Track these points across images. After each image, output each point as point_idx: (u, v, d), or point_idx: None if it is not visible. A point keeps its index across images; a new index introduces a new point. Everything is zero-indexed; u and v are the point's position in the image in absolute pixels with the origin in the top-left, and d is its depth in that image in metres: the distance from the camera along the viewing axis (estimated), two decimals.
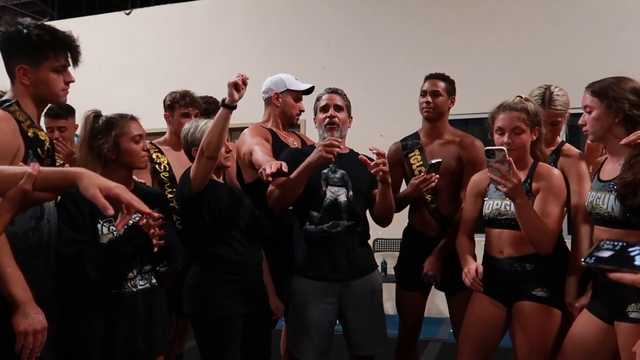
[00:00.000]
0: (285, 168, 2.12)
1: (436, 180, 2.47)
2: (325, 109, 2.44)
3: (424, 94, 2.67)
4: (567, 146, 2.40)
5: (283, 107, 2.77)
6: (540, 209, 2.05)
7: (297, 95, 2.79)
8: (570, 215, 2.27)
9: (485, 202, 2.24)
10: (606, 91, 1.91)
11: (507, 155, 1.97)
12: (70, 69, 1.84)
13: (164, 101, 2.89)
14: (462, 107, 2.80)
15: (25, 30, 1.71)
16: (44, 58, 1.74)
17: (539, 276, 2.09)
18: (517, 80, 4.84)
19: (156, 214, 1.77)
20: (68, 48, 1.79)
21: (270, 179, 2.10)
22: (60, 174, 1.31)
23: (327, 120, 2.42)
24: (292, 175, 2.23)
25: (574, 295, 2.10)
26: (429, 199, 2.63)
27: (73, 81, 1.84)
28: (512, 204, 2.05)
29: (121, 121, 2.01)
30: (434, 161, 2.50)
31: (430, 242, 2.64)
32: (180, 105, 2.82)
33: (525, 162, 2.17)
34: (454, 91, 2.70)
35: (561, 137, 2.49)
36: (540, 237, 2.01)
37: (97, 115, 2.02)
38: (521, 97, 2.19)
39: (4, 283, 1.56)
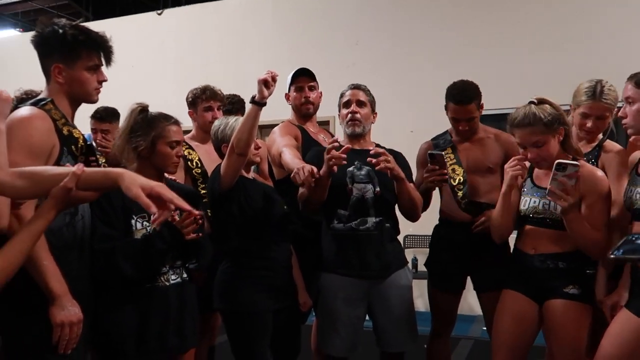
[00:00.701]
0: (317, 175, 2.13)
1: (446, 175, 2.41)
2: (347, 104, 2.44)
3: (456, 120, 2.56)
4: (609, 142, 2.33)
5: (292, 102, 2.81)
6: (589, 218, 1.97)
7: (296, 86, 2.78)
8: None
9: (522, 198, 2.17)
10: None
11: (578, 172, 1.90)
12: (104, 68, 1.88)
13: (187, 99, 2.92)
14: (488, 104, 2.74)
15: (60, 31, 1.76)
16: (78, 57, 1.78)
17: (571, 274, 2.04)
18: (544, 75, 4.75)
19: (197, 212, 1.84)
20: (101, 48, 1.83)
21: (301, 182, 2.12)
22: (102, 174, 1.37)
23: (349, 116, 2.42)
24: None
25: (604, 291, 2.05)
26: (460, 195, 2.58)
27: (106, 80, 1.88)
28: (551, 204, 2.01)
29: (163, 123, 2.03)
30: (433, 152, 2.44)
31: (461, 230, 2.58)
32: (201, 99, 2.84)
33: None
34: (481, 98, 2.57)
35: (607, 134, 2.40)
36: (592, 247, 1.97)
37: (143, 109, 2.05)
38: (533, 101, 2.05)
39: (41, 276, 1.60)
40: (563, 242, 2.03)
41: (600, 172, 2.06)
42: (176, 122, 2.08)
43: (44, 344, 1.66)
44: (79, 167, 1.27)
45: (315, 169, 2.14)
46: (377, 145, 2.49)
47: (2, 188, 1.35)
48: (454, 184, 2.59)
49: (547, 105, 2.02)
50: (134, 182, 1.29)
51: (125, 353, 1.90)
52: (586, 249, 2.00)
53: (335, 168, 2.16)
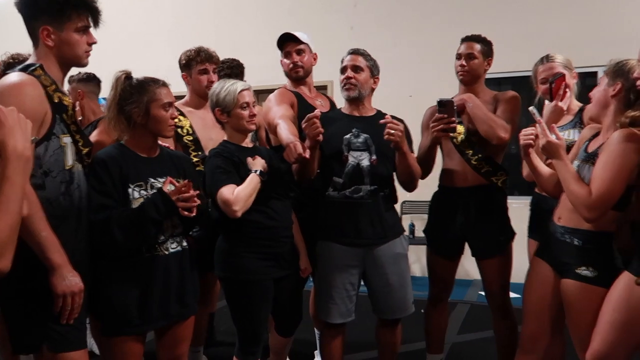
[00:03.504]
0: (306, 154, 2.11)
1: (454, 123, 2.34)
2: (344, 70, 2.42)
3: (459, 57, 2.59)
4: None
5: (283, 68, 2.77)
6: (593, 172, 1.88)
7: (284, 51, 2.73)
8: None
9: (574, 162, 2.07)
10: None
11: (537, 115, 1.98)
12: (93, 31, 1.83)
13: (179, 61, 2.80)
14: (495, 66, 2.70)
15: None
16: (67, 19, 1.73)
17: (587, 254, 1.93)
18: (552, 37, 4.67)
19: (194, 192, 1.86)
20: (89, 9, 1.78)
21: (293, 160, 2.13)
22: None
23: (344, 81, 2.41)
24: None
25: None
26: (470, 152, 2.58)
27: (95, 42, 1.83)
28: (581, 165, 1.96)
29: (153, 86, 1.99)
30: (442, 99, 2.36)
31: (461, 196, 2.59)
32: (196, 62, 2.73)
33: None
34: (491, 52, 2.61)
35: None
36: (573, 200, 1.89)
37: (128, 76, 2.00)
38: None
39: (40, 247, 1.60)
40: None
41: (620, 133, 1.86)
42: (165, 84, 2.04)
43: (46, 314, 1.67)
44: None
45: (306, 148, 2.14)
46: (379, 112, 2.47)
47: None
48: (457, 143, 2.59)
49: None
50: None
51: (128, 321, 1.91)
52: (571, 202, 1.93)
53: (320, 137, 2.16)
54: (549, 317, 2.09)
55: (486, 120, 2.47)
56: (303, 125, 2.19)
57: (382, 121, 2.22)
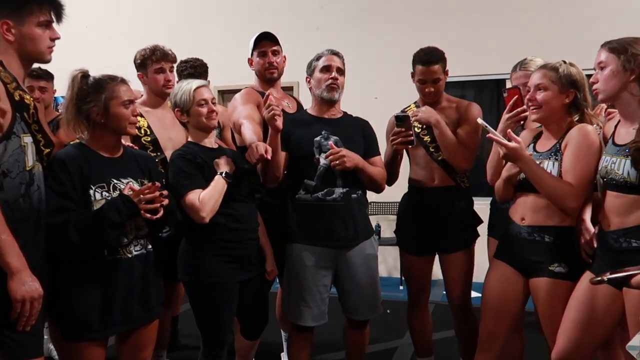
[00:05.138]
0: (268, 155, 2.11)
1: (412, 136, 2.40)
2: (327, 69, 2.40)
3: (422, 82, 2.57)
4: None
5: (255, 68, 2.74)
6: (563, 165, 1.97)
7: (259, 50, 2.70)
8: None
9: None
10: (625, 48, 1.83)
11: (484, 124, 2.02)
12: (57, 27, 1.78)
13: (134, 61, 2.72)
14: (453, 70, 2.75)
15: None
16: (29, 12, 1.68)
17: (558, 250, 1.99)
18: (514, 42, 4.78)
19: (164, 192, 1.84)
20: (51, 3, 1.73)
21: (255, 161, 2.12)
22: None
23: (330, 81, 2.39)
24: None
25: None
26: (433, 145, 2.61)
27: (59, 37, 1.78)
28: (541, 164, 2.01)
29: (111, 84, 1.94)
30: (399, 113, 2.45)
31: (431, 195, 2.63)
32: (151, 61, 2.65)
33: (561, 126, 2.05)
34: (446, 63, 2.61)
35: None
36: (555, 193, 1.93)
37: (84, 75, 1.95)
38: (564, 60, 2.06)
39: None
40: (551, 213, 2.00)
41: (588, 127, 1.99)
42: (123, 81, 1.99)
43: (1, 321, 1.60)
44: None
45: (269, 149, 2.13)
46: (346, 114, 2.49)
47: None
48: (428, 141, 2.62)
49: (573, 68, 2.04)
50: None
51: (89, 326, 1.86)
52: (549, 197, 1.96)
53: (279, 123, 2.15)
54: (507, 316, 2.14)
55: (451, 149, 2.55)
56: (263, 114, 2.17)
57: (326, 156, 2.26)
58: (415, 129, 2.60)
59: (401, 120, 2.41)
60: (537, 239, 2.03)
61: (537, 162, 2.03)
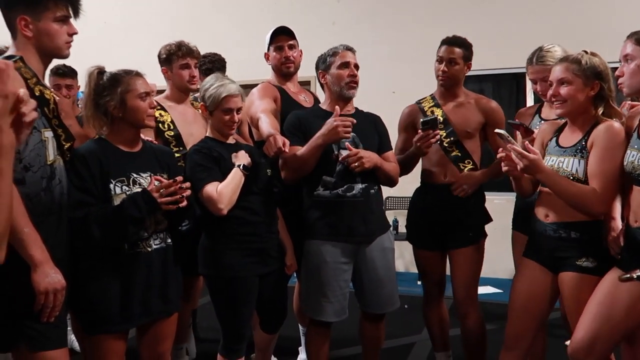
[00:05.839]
0: (286, 148, 2.11)
1: (436, 138, 2.40)
2: (346, 65, 2.38)
3: (440, 60, 2.59)
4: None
5: (272, 62, 2.74)
6: (589, 168, 1.92)
7: (275, 45, 2.70)
8: None
9: (545, 158, 2.08)
10: None
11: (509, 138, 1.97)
12: (76, 24, 1.79)
13: (159, 56, 2.72)
14: (477, 63, 2.72)
15: None
16: (45, 8, 1.70)
17: (584, 245, 1.96)
18: (532, 34, 4.72)
19: (184, 184, 1.86)
20: None
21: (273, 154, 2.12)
22: None
23: (349, 78, 2.37)
24: (303, 152, 2.24)
25: None
26: (452, 150, 2.60)
27: (76, 33, 1.79)
28: (565, 161, 1.98)
29: (127, 77, 1.96)
30: (427, 118, 2.44)
31: (441, 191, 2.61)
32: (177, 57, 2.65)
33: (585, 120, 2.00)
34: (471, 56, 2.62)
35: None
36: (580, 201, 1.90)
37: (100, 71, 1.97)
38: (586, 51, 2.01)
39: (22, 244, 1.56)
40: (575, 210, 1.95)
41: (615, 124, 1.94)
42: (139, 74, 2.00)
43: (26, 312, 1.63)
44: None
45: (287, 142, 2.13)
46: (357, 110, 2.48)
47: None
48: (442, 136, 2.59)
49: (596, 58, 1.98)
50: None
51: (110, 319, 1.88)
52: (575, 206, 1.93)
53: (349, 135, 2.19)
54: (535, 315, 2.10)
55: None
56: (338, 119, 2.19)
57: (341, 159, 2.28)
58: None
59: (427, 124, 2.39)
60: (563, 236, 1.99)
61: (561, 159, 1.99)
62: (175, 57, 2.67)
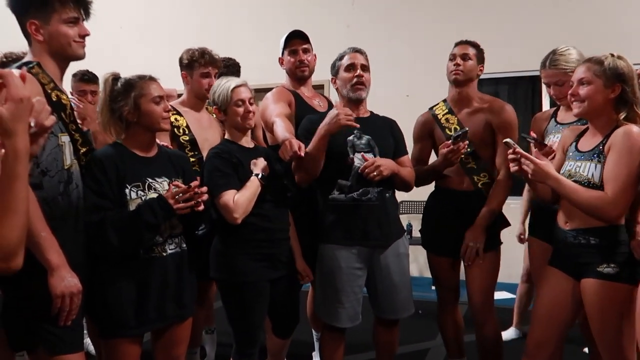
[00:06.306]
0: (302, 152, 2.10)
1: (466, 147, 2.40)
2: (352, 68, 2.38)
3: (453, 57, 2.57)
4: None
5: (286, 66, 2.75)
6: (605, 173, 1.89)
7: (290, 49, 2.71)
8: None
9: (565, 163, 2.06)
10: None
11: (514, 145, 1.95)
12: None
13: (181, 59, 2.72)
14: (491, 66, 2.70)
15: None
16: (52, 10, 1.71)
17: (605, 250, 1.92)
18: (549, 37, 4.68)
19: (200, 189, 1.88)
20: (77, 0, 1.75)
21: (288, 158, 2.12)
22: None
23: (355, 79, 2.36)
24: (310, 148, 2.21)
25: None
26: (469, 162, 2.56)
27: (88, 34, 1.79)
28: (582, 165, 1.95)
29: (140, 82, 1.97)
30: (459, 132, 2.43)
31: (460, 199, 2.58)
32: (199, 64, 2.63)
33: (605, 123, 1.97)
34: (483, 59, 2.61)
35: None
36: (592, 207, 1.87)
37: (115, 77, 1.99)
38: (613, 54, 1.97)
39: (39, 247, 1.57)
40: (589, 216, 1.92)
41: (635, 128, 1.92)
42: (152, 78, 2.02)
43: (43, 316, 1.64)
44: None
45: (302, 145, 2.12)
46: (372, 113, 2.47)
47: None
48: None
49: (621, 61, 1.94)
50: None
51: (125, 323, 1.89)
52: (589, 212, 1.90)
53: (350, 123, 2.14)
54: (558, 324, 2.06)
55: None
56: (340, 109, 2.18)
57: (360, 170, 2.25)
58: (447, 130, 2.57)
59: (459, 137, 2.39)
60: (583, 242, 1.96)
61: (579, 163, 1.96)
62: (197, 64, 2.65)
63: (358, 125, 2.21)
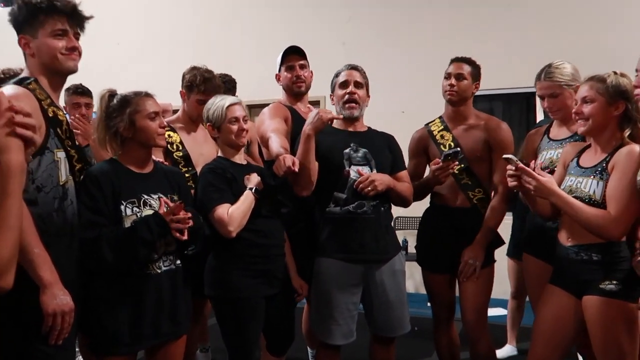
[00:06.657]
0: (296, 167, 2.10)
1: (455, 168, 2.42)
2: (345, 85, 2.39)
3: (448, 76, 2.58)
4: None
5: (283, 82, 2.76)
6: (607, 191, 1.89)
7: (287, 65, 2.72)
8: None
9: (565, 178, 2.07)
10: None
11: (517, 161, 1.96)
12: (88, 44, 1.81)
13: (183, 77, 2.70)
14: (485, 83, 2.72)
15: (23, 2, 1.71)
16: (40, 24, 1.72)
17: (607, 267, 1.91)
18: (543, 54, 4.72)
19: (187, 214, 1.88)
20: (64, 12, 1.74)
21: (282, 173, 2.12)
22: None
23: (346, 96, 2.37)
24: (298, 153, 2.21)
25: None
26: (463, 178, 2.57)
27: (76, 46, 1.78)
28: (584, 181, 1.95)
29: (135, 98, 1.98)
30: (450, 151, 2.44)
31: (455, 215, 2.58)
32: (198, 90, 2.59)
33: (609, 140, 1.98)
34: (479, 76, 2.62)
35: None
36: (594, 225, 1.86)
37: (112, 94, 2.00)
38: (616, 71, 1.99)
39: (32, 264, 1.55)
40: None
41: (635, 146, 1.93)
42: (148, 95, 2.02)
43: (34, 334, 1.62)
44: None
45: (296, 161, 2.12)
46: (370, 129, 2.48)
47: None
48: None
49: (624, 78, 1.96)
50: None
51: (119, 340, 1.87)
52: (590, 229, 1.89)
53: (329, 118, 2.16)
54: (559, 342, 2.04)
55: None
56: (318, 111, 2.19)
57: (354, 185, 2.26)
58: (442, 147, 2.58)
59: (450, 156, 2.40)
60: (585, 258, 1.95)
61: (580, 179, 1.96)
62: (196, 89, 2.62)
63: (341, 117, 2.25)
